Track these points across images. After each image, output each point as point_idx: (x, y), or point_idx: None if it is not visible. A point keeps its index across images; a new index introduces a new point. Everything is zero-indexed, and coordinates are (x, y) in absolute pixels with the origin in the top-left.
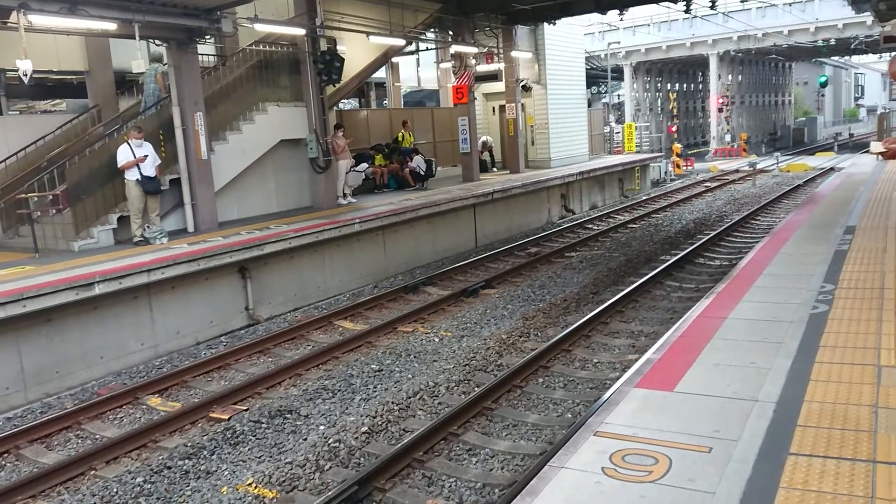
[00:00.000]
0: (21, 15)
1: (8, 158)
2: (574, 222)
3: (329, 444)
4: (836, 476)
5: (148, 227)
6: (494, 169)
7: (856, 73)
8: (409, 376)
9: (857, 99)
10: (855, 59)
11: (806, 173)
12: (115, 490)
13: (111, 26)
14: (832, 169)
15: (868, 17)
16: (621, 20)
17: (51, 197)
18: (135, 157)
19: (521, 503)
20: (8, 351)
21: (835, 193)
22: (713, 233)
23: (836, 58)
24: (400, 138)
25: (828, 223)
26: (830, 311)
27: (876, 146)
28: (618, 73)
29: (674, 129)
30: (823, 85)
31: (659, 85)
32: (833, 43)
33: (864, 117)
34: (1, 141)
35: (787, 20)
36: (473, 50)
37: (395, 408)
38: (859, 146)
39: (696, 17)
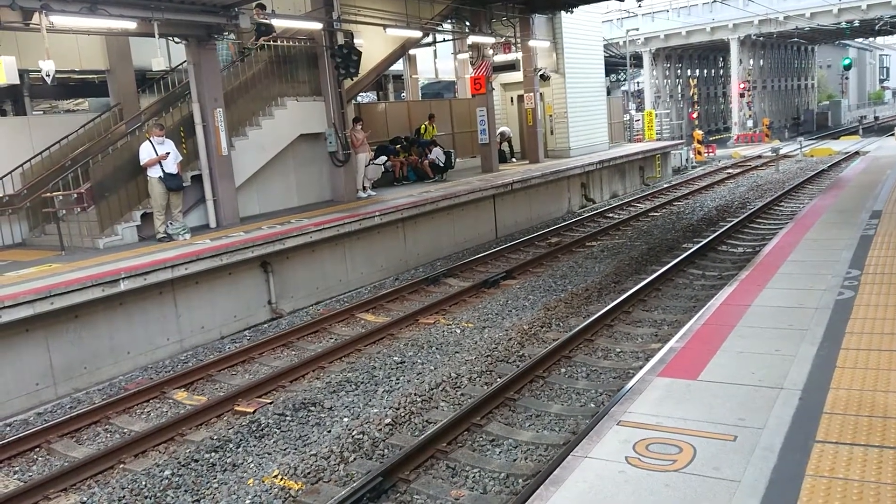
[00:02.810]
0: (43, 16)
1: (33, 158)
2: (595, 211)
3: (353, 436)
4: (864, 463)
5: (171, 223)
6: (513, 159)
7: (881, 55)
8: (432, 368)
9: (882, 81)
10: (880, 40)
11: (830, 158)
12: (143, 483)
13: (131, 25)
14: (857, 153)
15: None
16: (640, 6)
17: (75, 195)
18: (157, 154)
19: (545, 493)
20: (37, 347)
21: (860, 178)
22: (736, 220)
23: (861, 39)
24: (423, 130)
25: (853, 208)
26: (856, 297)
27: None
28: (637, 61)
29: (694, 115)
30: (847, 67)
31: (679, 71)
32: (857, 24)
33: (890, 99)
34: (25, 141)
35: (810, 2)
36: (490, 40)
37: (418, 399)
38: (885, 129)
39: (716, 1)
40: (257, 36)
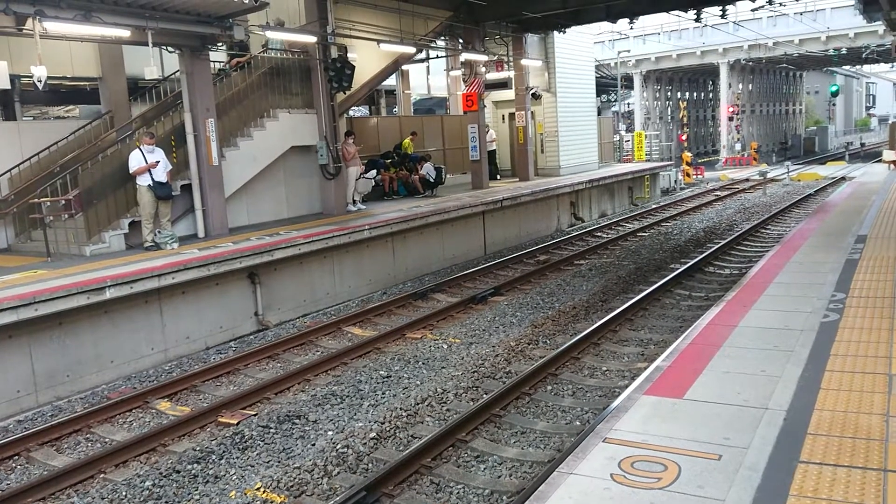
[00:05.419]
0: (36, 22)
1: (22, 164)
2: (583, 230)
3: (337, 450)
4: (847, 484)
5: (159, 232)
6: (498, 177)
7: (867, 83)
8: (418, 382)
9: (868, 108)
10: (867, 68)
11: (817, 182)
12: (124, 493)
13: (125, 33)
14: (843, 178)
15: (880, 27)
16: (631, 29)
17: (63, 202)
18: (146, 162)
19: None
20: (20, 354)
21: (846, 202)
22: (723, 241)
23: (848, 67)
24: (406, 144)
25: (839, 232)
26: (841, 320)
27: (889, 154)
28: (628, 82)
29: (684, 137)
30: (835, 94)
31: (669, 93)
32: (844, 52)
33: (876, 127)
34: (15, 146)
35: (798, 29)
36: (483, 58)
37: (404, 414)
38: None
39: (706, 25)
40: (231, 56)
